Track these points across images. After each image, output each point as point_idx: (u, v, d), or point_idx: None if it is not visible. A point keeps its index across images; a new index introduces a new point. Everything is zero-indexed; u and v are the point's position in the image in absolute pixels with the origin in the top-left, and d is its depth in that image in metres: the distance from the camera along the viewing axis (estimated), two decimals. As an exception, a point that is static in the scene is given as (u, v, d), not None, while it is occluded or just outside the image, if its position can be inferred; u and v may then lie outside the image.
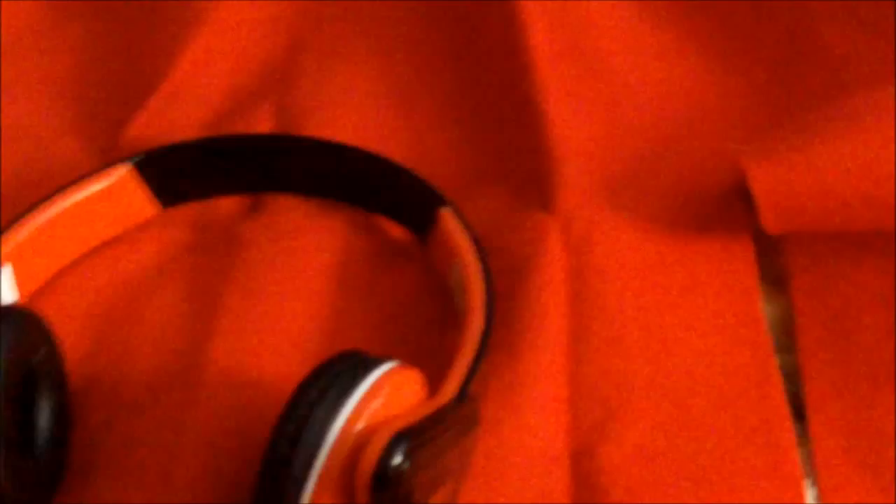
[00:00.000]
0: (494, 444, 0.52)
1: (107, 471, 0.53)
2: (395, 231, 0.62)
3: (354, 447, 0.45)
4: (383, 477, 0.44)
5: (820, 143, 0.58)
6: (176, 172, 0.63)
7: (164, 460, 0.52)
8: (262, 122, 0.67)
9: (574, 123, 0.65)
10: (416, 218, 0.60)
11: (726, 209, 0.62)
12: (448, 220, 0.58)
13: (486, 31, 0.70)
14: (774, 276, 0.60)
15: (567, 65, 0.67)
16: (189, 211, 0.64)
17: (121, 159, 0.61)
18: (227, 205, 0.64)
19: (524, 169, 0.64)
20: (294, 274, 0.59)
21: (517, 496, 0.52)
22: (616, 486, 0.52)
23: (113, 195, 0.61)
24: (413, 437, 0.44)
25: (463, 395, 0.49)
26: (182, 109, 0.68)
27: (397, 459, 0.44)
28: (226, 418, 0.53)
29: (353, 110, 0.68)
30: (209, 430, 0.53)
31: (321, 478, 0.45)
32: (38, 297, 0.59)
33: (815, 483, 0.53)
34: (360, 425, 0.45)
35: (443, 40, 0.71)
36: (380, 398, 0.46)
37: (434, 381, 0.49)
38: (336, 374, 0.47)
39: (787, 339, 0.58)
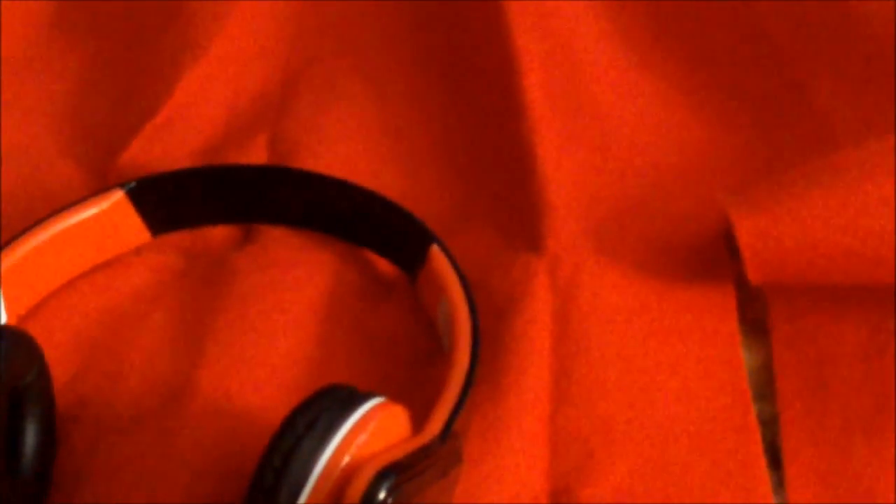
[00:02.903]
0: (475, 481, 0.53)
1: (90, 493, 0.53)
2: (384, 266, 0.63)
3: (339, 481, 0.45)
4: (368, 512, 0.44)
5: (805, 196, 0.59)
6: (168, 200, 0.63)
7: (149, 486, 0.53)
8: (255, 153, 0.68)
9: (564, 167, 0.65)
10: (405, 254, 0.61)
11: (710, 257, 0.62)
12: (437, 258, 0.58)
13: (481, 72, 0.71)
14: (755, 325, 0.61)
15: (559, 110, 0.68)
16: (180, 239, 0.64)
17: (114, 185, 0.62)
18: (218, 234, 0.64)
19: (513, 210, 0.65)
20: (283, 305, 0.60)
21: (496, 534, 0.52)
22: (594, 527, 0.53)
23: (105, 221, 0.61)
24: (398, 472, 0.45)
25: (447, 432, 0.49)
26: (177, 137, 0.68)
27: (381, 495, 0.44)
28: (211, 447, 0.54)
29: (346, 144, 0.68)
30: (194, 458, 0.53)
31: (305, 510, 0.45)
32: (26, 319, 0.59)
33: (790, 531, 0.53)
34: (345, 460, 0.46)
35: (437, 78, 0.72)
36: (365, 433, 0.46)
37: (419, 417, 0.50)
38: (323, 408, 0.47)
39: (765, 387, 0.58)
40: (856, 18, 0.70)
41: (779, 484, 0.55)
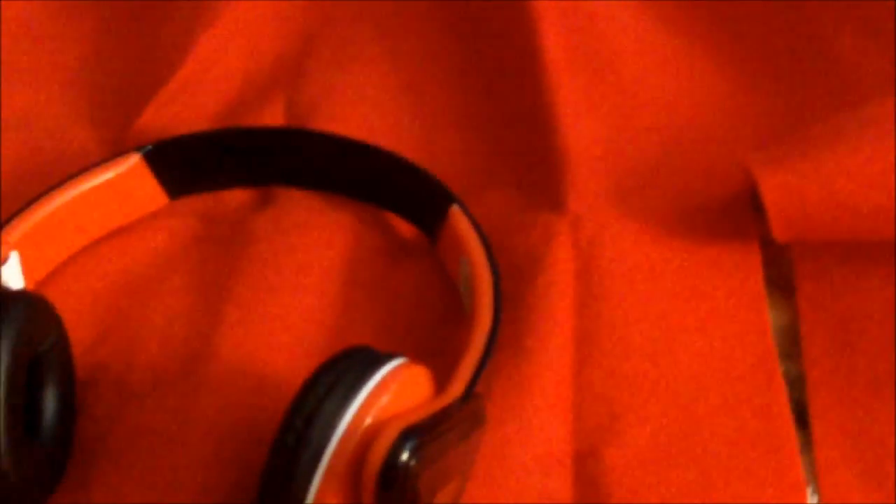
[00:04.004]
0: (498, 443, 0.52)
1: (111, 459, 0.53)
2: (405, 228, 0.62)
3: (362, 442, 0.45)
4: (391, 473, 0.44)
5: (830, 152, 0.58)
6: (185, 163, 0.63)
7: (170, 450, 0.52)
8: (273, 116, 0.67)
9: (585, 126, 0.65)
10: (425, 215, 0.61)
11: (735, 215, 0.62)
12: (457, 218, 0.58)
13: (500, 33, 0.70)
14: (781, 284, 0.60)
15: (579, 68, 0.67)
16: (198, 202, 0.64)
17: (130, 149, 0.61)
18: (236, 197, 0.64)
19: (534, 170, 0.64)
20: (302, 268, 0.59)
21: (520, 496, 0.52)
22: (619, 489, 0.52)
23: (122, 185, 0.61)
24: (421, 434, 0.45)
25: (469, 393, 0.49)
26: (193, 101, 0.67)
27: (405, 456, 0.44)
28: (232, 410, 0.53)
29: (364, 106, 0.68)
30: (215, 422, 0.53)
31: (328, 472, 0.45)
32: (44, 284, 0.59)
33: (817, 490, 0.53)
34: (367, 421, 0.45)
35: (455, 38, 0.71)
36: (388, 394, 0.46)
37: (441, 379, 0.49)
38: (344, 370, 0.47)
39: (791, 346, 0.58)
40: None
41: (806, 443, 0.55)
